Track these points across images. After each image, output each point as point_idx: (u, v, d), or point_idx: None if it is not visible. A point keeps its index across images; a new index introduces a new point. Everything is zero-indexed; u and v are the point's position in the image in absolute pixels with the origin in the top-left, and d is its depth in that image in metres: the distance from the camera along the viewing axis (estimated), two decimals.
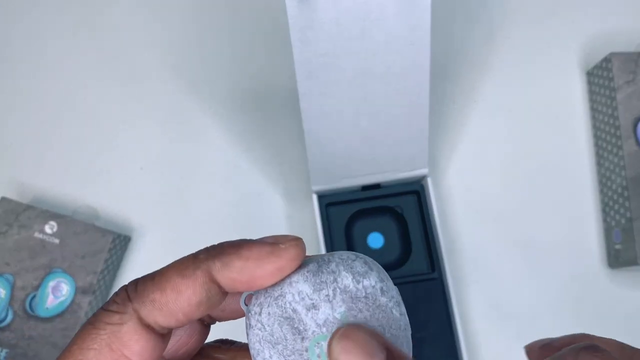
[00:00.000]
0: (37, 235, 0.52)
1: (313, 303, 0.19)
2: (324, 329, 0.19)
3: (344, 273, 0.19)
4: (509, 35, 0.63)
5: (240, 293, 0.20)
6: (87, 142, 0.60)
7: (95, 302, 0.53)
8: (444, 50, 0.62)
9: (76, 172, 0.59)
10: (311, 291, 0.19)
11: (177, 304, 0.18)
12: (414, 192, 0.54)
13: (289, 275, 0.19)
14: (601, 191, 0.58)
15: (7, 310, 0.51)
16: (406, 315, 0.20)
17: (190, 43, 0.63)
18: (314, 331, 0.19)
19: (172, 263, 0.18)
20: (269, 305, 0.19)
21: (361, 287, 0.19)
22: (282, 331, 0.19)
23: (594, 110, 0.60)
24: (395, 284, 0.21)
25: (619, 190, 0.55)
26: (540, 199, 0.59)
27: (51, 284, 0.52)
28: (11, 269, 0.52)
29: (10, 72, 0.62)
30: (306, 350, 0.19)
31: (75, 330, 0.51)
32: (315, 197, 0.53)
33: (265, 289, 0.19)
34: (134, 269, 0.57)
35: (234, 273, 0.18)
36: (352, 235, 0.54)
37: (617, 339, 0.21)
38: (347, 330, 0.18)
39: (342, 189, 0.53)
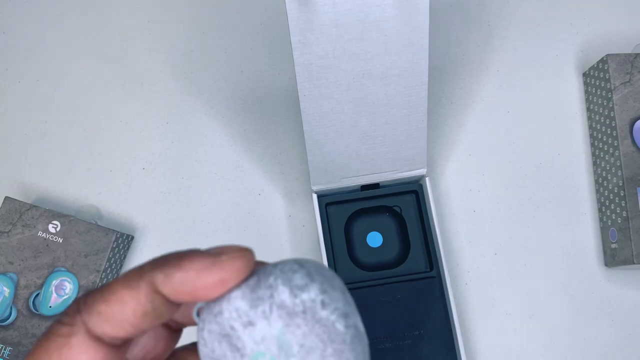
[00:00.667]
0: (40, 234, 0.53)
1: (250, 320, 0.19)
2: (261, 346, 0.18)
3: (281, 287, 0.18)
4: (507, 36, 0.64)
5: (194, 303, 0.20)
6: (90, 142, 0.60)
7: None
8: (442, 52, 0.63)
9: (79, 172, 0.59)
10: (248, 308, 0.18)
11: (123, 315, 0.18)
12: (413, 192, 0.55)
13: (229, 290, 0.19)
14: (597, 191, 0.59)
15: (11, 309, 0.52)
16: (358, 327, 0.19)
17: (191, 44, 0.63)
18: (252, 348, 0.19)
19: (120, 275, 0.19)
20: (209, 322, 0.19)
21: (298, 302, 0.18)
22: (221, 348, 0.19)
23: (591, 111, 0.61)
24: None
25: (615, 190, 0.56)
26: (537, 199, 0.59)
27: (54, 282, 0.52)
28: (15, 268, 0.52)
29: (13, 72, 0.63)
30: None
31: None
32: (315, 197, 0.54)
33: (208, 304, 0.19)
34: None
35: (175, 285, 0.18)
36: (351, 234, 0.55)
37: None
38: None
39: (341, 188, 0.54)
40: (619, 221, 0.55)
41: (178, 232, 0.58)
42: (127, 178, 0.59)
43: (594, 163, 0.60)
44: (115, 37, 0.63)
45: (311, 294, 0.18)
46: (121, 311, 0.18)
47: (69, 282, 0.53)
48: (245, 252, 0.19)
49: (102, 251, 0.53)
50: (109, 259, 0.53)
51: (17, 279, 0.52)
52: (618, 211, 0.55)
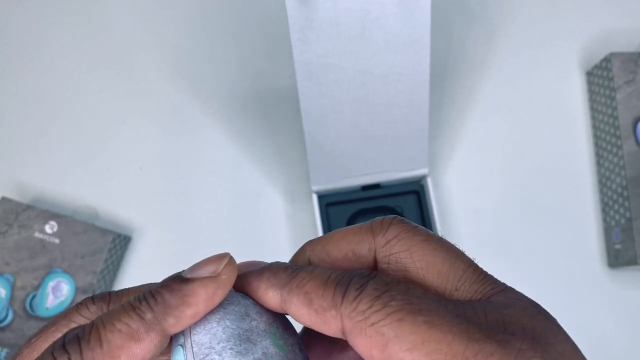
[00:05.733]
0: (37, 235, 0.52)
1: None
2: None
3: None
4: (509, 35, 0.63)
5: None
6: (88, 142, 0.60)
7: None
8: (444, 50, 0.62)
9: (76, 172, 0.59)
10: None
11: None
12: (414, 192, 0.54)
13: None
14: (601, 191, 0.58)
15: (8, 310, 0.51)
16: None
17: (190, 43, 0.63)
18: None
19: (116, 325, 0.17)
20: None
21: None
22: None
23: (594, 110, 0.60)
24: None
25: (619, 190, 0.55)
26: (540, 199, 0.58)
27: (51, 283, 0.52)
28: (11, 269, 0.52)
29: (10, 72, 0.62)
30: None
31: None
32: (315, 197, 0.53)
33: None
34: (134, 268, 0.57)
35: (188, 321, 0.18)
36: None
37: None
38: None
39: (342, 188, 0.53)
40: (623, 222, 0.54)
41: (176, 232, 0.57)
42: (125, 178, 0.59)
43: (598, 162, 0.59)
44: (115, 36, 0.63)
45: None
46: None
47: (66, 284, 0.52)
48: (231, 263, 0.19)
49: (99, 252, 0.53)
50: (105, 260, 0.53)
51: (14, 280, 0.52)
52: (622, 211, 0.55)
